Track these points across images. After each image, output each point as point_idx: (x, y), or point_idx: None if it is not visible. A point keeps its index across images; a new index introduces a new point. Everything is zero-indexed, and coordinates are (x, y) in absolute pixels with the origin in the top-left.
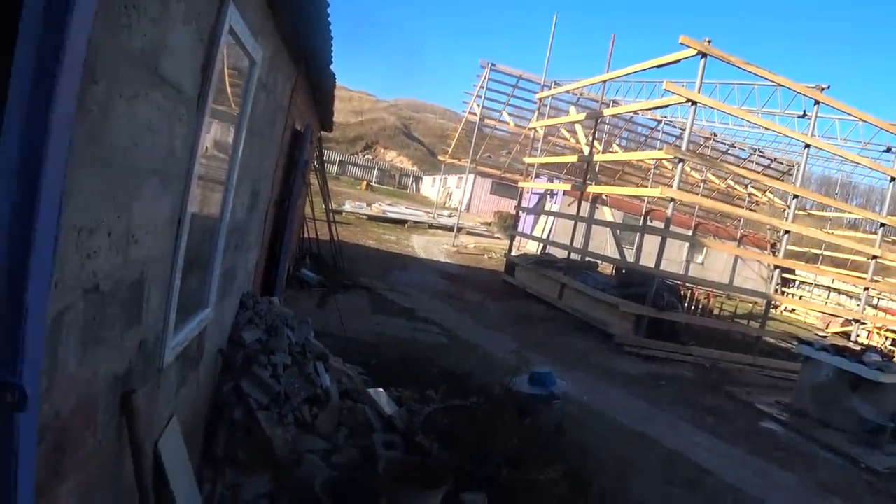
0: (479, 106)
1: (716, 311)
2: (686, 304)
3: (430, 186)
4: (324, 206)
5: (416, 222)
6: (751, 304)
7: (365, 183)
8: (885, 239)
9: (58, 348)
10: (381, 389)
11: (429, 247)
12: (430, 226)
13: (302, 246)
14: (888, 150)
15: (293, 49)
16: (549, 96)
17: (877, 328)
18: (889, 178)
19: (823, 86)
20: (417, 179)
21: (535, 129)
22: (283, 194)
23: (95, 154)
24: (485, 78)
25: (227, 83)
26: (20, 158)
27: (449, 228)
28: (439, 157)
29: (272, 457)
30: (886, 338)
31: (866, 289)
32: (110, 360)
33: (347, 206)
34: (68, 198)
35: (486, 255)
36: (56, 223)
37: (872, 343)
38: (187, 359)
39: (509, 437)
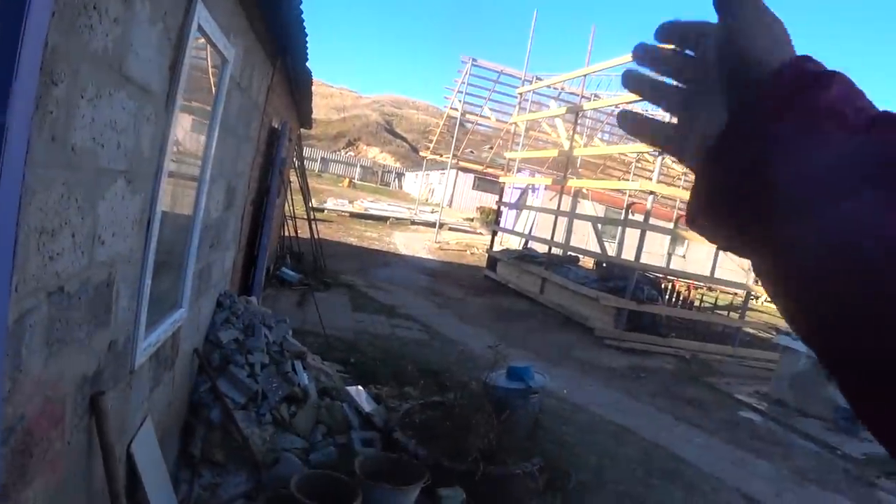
0: (460, 101)
1: (696, 303)
2: (667, 297)
3: (413, 183)
4: (304, 204)
5: (398, 219)
6: (731, 296)
7: (347, 180)
8: None
9: (21, 351)
10: (359, 387)
11: (411, 243)
12: (413, 222)
13: (282, 244)
14: None
15: (267, 46)
16: (529, 91)
17: None
18: None
19: None
20: (400, 176)
21: (515, 123)
22: (260, 192)
23: (57, 156)
24: (466, 73)
25: (200, 81)
26: None
27: (431, 224)
28: (421, 153)
29: (250, 456)
30: None
31: None
32: (78, 361)
33: (329, 204)
34: (29, 200)
35: (468, 251)
36: (14, 225)
37: None
38: (161, 359)
39: (486, 432)
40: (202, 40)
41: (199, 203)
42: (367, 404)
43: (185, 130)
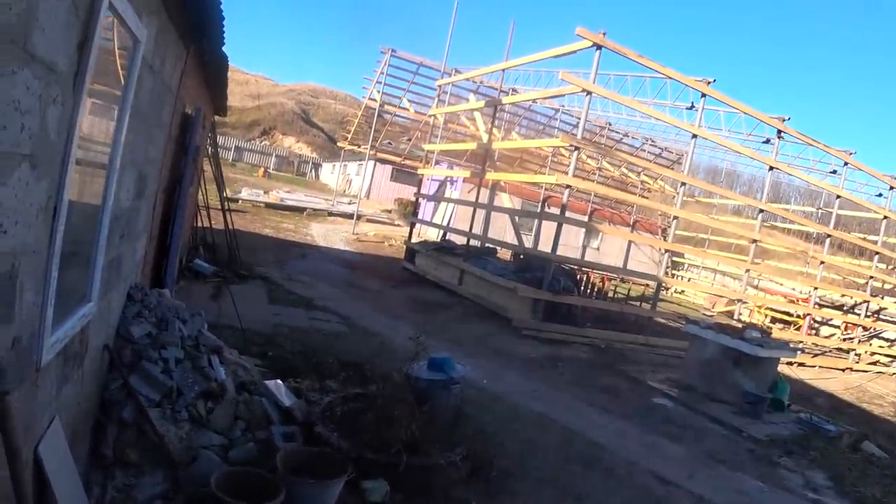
0: (379, 92)
1: (610, 294)
2: (582, 288)
3: (330, 174)
4: (218, 194)
5: (315, 210)
6: (643, 287)
7: (262, 170)
8: (765, 224)
9: None
10: (279, 381)
11: (328, 235)
12: (330, 213)
13: (195, 235)
14: (767, 141)
15: (182, 28)
16: (449, 83)
17: (757, 307)
18: (768, 167)
19: (709, 79)
20: (317, 166)
21: (434, 115)
22: (172, 181)
23: None
24: (385, 64)
25: (110, 63)
26: None
27: (349, 216)
28: (338, 144)
29: (166, 455)
30: (766, 315)
31: (748, 270)
32: None
33: (244, 194)
34: None
35: (386, 243)
36: None
37: (753, 321)
38: (69, 356)
39: (408, 423)
40: (112, 19)
41: (108, 191)
42: (286, 398)
43: (94, 114)
